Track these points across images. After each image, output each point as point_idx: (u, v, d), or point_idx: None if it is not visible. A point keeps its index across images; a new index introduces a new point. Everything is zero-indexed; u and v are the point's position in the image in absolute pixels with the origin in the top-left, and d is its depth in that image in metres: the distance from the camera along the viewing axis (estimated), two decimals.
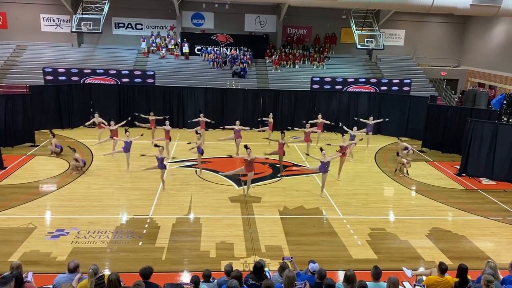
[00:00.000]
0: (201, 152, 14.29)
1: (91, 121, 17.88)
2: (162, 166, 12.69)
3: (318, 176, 14.67)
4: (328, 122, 18.50)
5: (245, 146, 12.66)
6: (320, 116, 18.35)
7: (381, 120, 19.20)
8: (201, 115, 17.94)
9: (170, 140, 16.22)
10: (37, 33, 27.81)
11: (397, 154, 15.69)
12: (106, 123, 16.54)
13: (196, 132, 14.77)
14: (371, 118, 18.24)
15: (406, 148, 16.24)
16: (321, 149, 12.84)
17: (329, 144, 15.12)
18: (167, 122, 16.28)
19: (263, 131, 18.36)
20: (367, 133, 17.79)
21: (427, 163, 17.01)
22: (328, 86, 23.57)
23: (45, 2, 27.41)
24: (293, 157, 16.79)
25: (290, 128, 18.96)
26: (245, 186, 12.93)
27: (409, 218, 11.78)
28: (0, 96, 17.42)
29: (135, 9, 28.23)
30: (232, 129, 16.61)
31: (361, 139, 17.45)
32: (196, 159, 14.76)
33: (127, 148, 14.07)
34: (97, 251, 9.28)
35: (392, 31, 30.38)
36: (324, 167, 12.66)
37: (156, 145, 12.98)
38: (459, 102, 26.96)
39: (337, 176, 14.53)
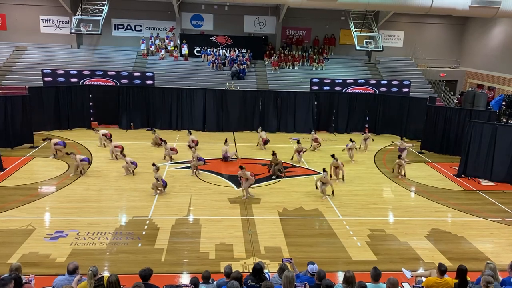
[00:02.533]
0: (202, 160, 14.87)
1: None
2: None
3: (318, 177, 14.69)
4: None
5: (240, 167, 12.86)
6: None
7: None
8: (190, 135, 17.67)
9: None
10: (37, 35, 27.82)
11: (399, 156, 15.61)
12: None
13: (190, 147, 15.57)
14: None
15: (404, 149, 16.30)
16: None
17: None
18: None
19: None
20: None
21: (426, 164, 17.01)
22: (328, 88, 23.59)
23: (45, 4, 27.43)
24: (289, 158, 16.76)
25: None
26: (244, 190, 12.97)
27: (408, 219, 11.78)
28: None
29: (135, 11, 28.25)
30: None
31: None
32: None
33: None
34: (96, 253, 9.27)
35: (391, 32, 30.43)
36: None
37: None
38: (458, 103, 26.98)
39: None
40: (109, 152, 16.11)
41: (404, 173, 15.17)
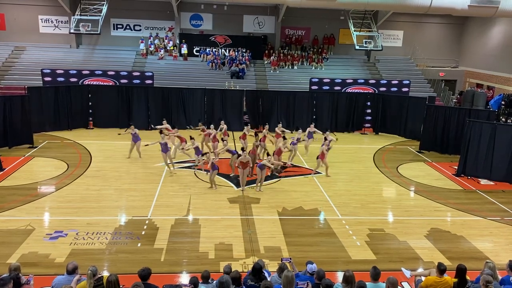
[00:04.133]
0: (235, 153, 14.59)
1: None
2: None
3: (317, 177, 14.71)
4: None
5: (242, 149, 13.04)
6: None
7: None
8: (221, 122, 17.32)
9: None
10: (36, 34, 27.82)
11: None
12: None
13: (222, 140, 15.40)
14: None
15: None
16: None
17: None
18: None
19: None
20: None
21: (426, 163, 17.01)
22: (327, 87, 23.58)
23: (44, 3, 27.43)
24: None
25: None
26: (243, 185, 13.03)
27: (407, 218, 11.78)
28: None
29: (134, 10, 28.26)
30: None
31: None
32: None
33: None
34: (95, 253, 9.26)
35: (391, 32, 30.46)
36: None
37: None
38: (457, 103, 26.99)
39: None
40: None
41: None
